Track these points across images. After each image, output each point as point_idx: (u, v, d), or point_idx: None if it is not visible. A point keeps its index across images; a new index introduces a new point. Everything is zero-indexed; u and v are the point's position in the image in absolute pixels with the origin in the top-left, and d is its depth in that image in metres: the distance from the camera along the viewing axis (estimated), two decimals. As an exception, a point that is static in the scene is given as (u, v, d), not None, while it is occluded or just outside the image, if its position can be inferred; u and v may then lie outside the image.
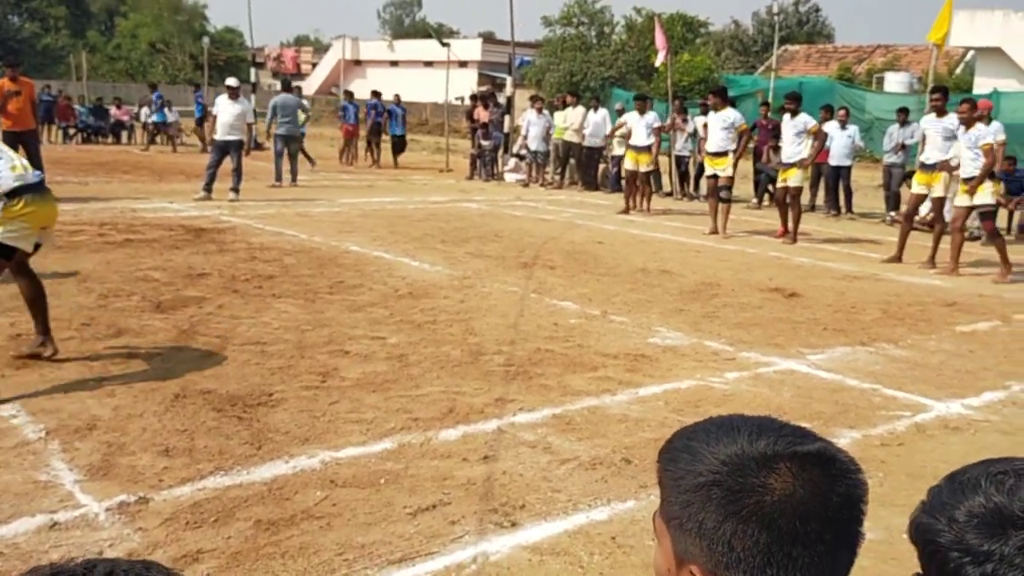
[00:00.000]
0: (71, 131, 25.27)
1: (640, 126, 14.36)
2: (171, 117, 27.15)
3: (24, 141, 12.33)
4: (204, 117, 23.45)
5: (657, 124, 14.59)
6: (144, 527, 3.25)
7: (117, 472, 3.71)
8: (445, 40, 25.16)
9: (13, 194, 4.78)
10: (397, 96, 22.91)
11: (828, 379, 5.56)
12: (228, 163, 13.33)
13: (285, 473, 3.78)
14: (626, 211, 14.19)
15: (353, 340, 5.92)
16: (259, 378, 5.03)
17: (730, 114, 11.88)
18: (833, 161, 14.82)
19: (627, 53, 34.16)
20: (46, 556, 3.02)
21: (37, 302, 5.05)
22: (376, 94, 22.70)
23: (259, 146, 20.10)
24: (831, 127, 14.40)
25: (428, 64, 46.64)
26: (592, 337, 6.32)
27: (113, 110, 26.91)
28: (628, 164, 14.60)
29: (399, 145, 22.36)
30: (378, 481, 3.73)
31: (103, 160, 19.80)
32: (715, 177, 11.99)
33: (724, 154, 11.88)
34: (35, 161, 12.24)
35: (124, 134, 26.76)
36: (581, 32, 35.24)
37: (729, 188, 12.01)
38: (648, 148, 14.32)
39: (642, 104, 14.71)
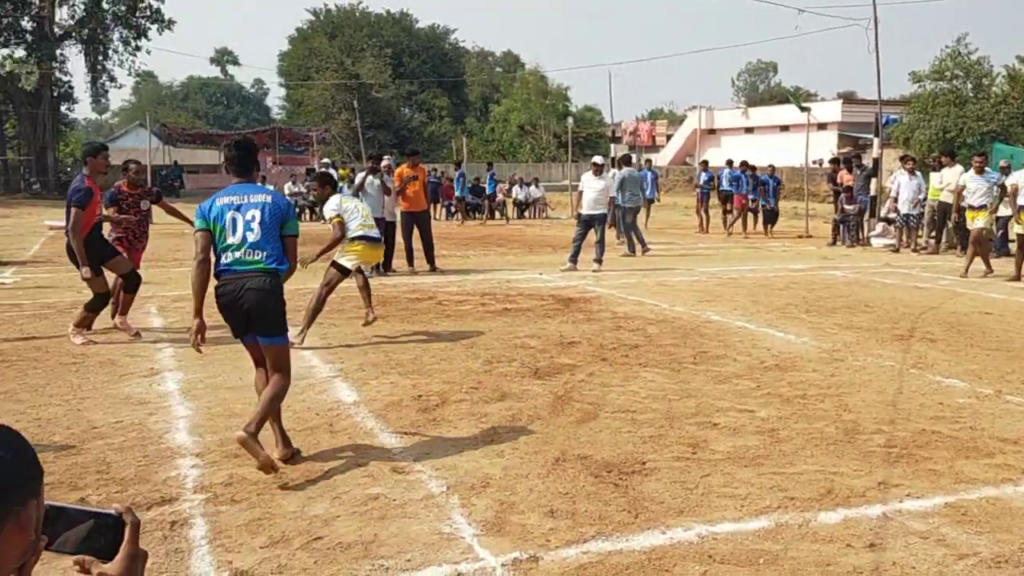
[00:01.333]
0: (452, 208, 27.98)
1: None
2: (536, 193, 29.12)
3: (418, 221, 13.92)
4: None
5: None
6: (536, 584, 3.47)
7: (509, 529, 4.01)
8: (805, 104, 24.53)
9: (355, 239, 8.33)
10: (771, 167, 22.35)
11: None
12: (592, 235, 14.00)
13: (662, 544, 3.85)
14: (1017, 278, 12.79)
15: (721, 412, 5.90)
16: (631, 446, 5.18)
17: None
18: None
19: (1010, 105, 31.08)
20: (452, 602, 3.33)
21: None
22: (729, 163, 22.70)
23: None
24: None
25: (784, 128, 45.74)
26: (985, 419, 5.75)
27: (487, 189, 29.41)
28: (1019, 228, 13.19)
29: (771, 216, 21.81)
30: (757, 560, 3.67)
31: (480, 235, 21.67)
32: None
33: None
34: (427, 238, 13.80)
35: (496, 211, 29.12)
36: (955, 86, 32.69)
37: None
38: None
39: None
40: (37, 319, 9.40)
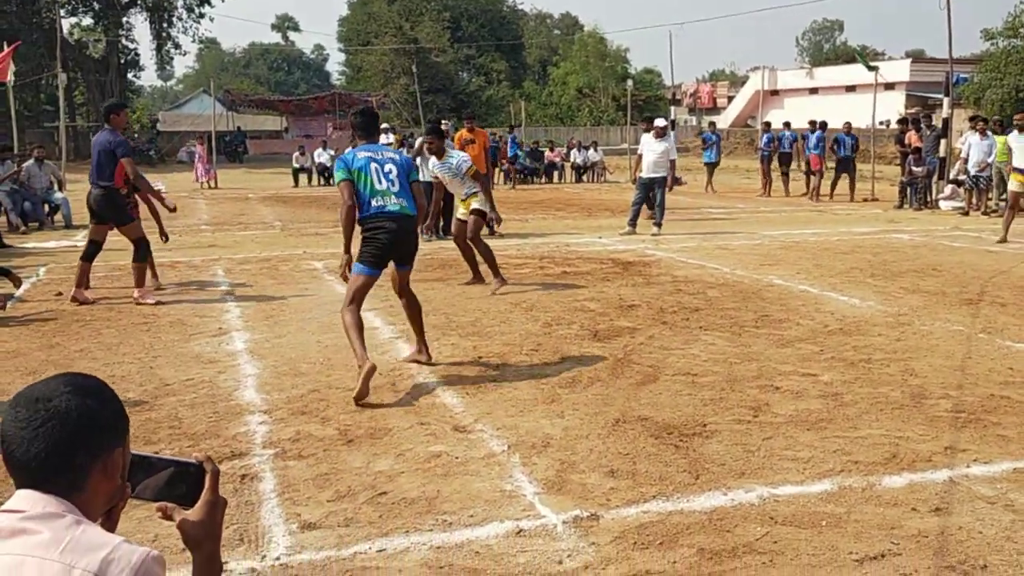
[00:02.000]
0: (510, 172, 27.93)
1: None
2: (594, 157, 28.91)
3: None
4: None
5: None
6: (596, 542, 3.51)
7: (570, 488, 4.05)
8: (872, 63, 23.83)
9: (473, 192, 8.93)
10: (848, 124, 21.11)
11: None
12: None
13: (724, 505, 3.85)
14: (1004, 239, 12.41)
15: (783, 376, 5.85)
16: (692, 408, 5.17)
17: None
18: None
19: (1090, 61, 29.88)
20: (514, 559, 3.39)
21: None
22: (787, 125, 22.26)
23: (678, 180, 20.61)
24: None
25: (850, 89, 44.63)
26: (1058, 385, 5.61)
27: (547, 152, 29.29)
28: (1013, 185, 12.79)
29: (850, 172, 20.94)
30: (819, 523, 3.66)
31: (539, 199, 21.64)
32: None
33: None
34: (489, 201, 13.80)
35: (556, 174, 28.99)
36: (1031, 43, 31.53)
37: None
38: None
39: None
40: (109, 280, 9.69)
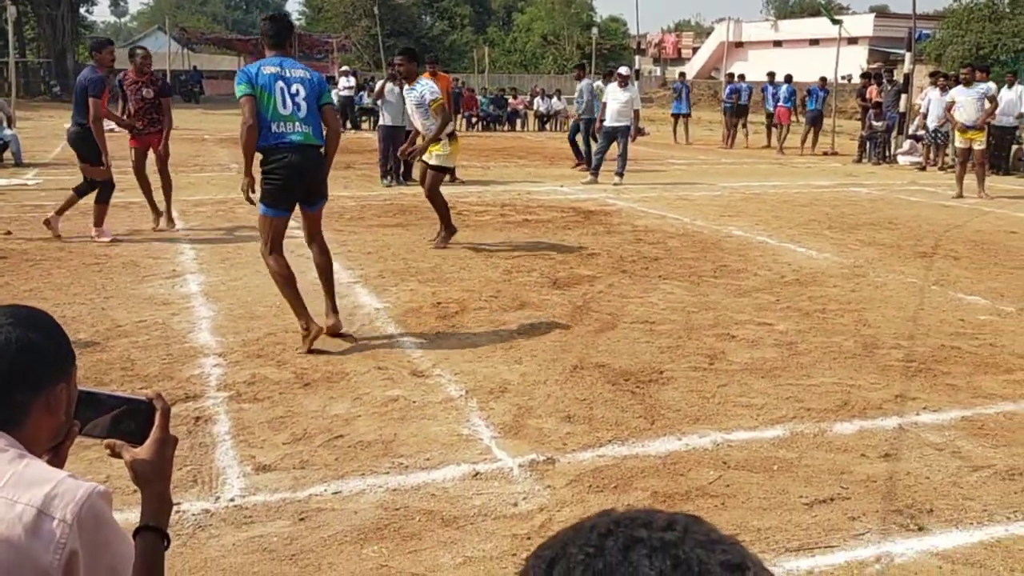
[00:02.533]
0: (473, 120, 27.67)
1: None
2: (558, 105, 28.72)
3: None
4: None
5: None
6: (552, 485, 3.53)
7: (526, 432, 4.06)
8: (837, 17, 23.83)
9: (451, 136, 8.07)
10: (823, 79, 20.67)
11: None
12: (614, 148, 13.82)
13: (678, 449, 3.89)
14: (960, 195, 12.65)
15: (739, 325, 5.90)
16: (649, 356, 5.20)
17: None
18: None
19: (1048, 20, 30.14)
20: (470, 502, 3.40)
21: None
22: (741, 77, 22.32)
23: (641, 131, 20.52)
24: None
25: (814, 42, 44.57)
26: (1006, 336, 5.73)
27: (510, 100, 29.02)
28: (959, 143, 13.01)
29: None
30: (771, 467, 3.71)
31: (501, 146, 21.47)
32: None
33: None
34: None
35: (518, 122, 28.76)
36: (992, 0, 31.66)
37: None
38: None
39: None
40: (63, 221, 9.45)
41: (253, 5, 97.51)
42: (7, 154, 15.50)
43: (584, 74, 16.38)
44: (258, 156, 5.19)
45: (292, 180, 5.12)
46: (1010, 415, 4.35)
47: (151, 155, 9.16)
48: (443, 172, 8.49)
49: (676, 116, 23.76)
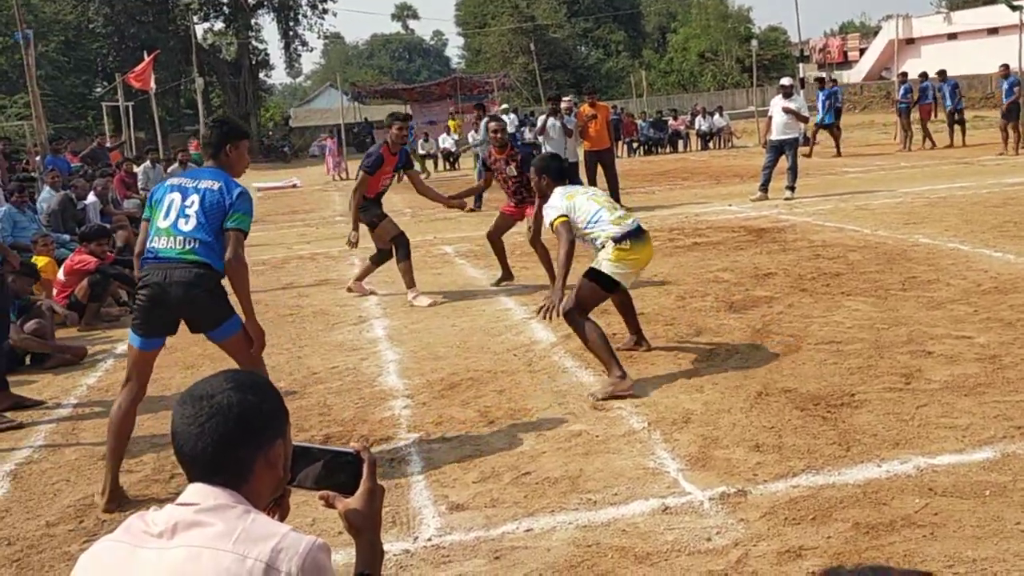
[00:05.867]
0: (635, 145, 27.60)
1: None
2: (720, 123, 28.25)
3: (601, 159, 13.84)
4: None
5: None
6: (745, 518, 3.45)
7: (714, 464, 3.99)
8: (1016, 3, 22.25)
9: (621, 238, 5.26)
10: (1005, 66, 19.19)
11: None
12: (783, 162, 13.44)
13: (878, 477, 3.71)
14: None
15: (935, 340, 5.57)
16: (838, 378, 5.00)
17: None
18: None
19: None
20: (662, 537, 3.36)
21: (629, 307, 5.63)
22: (923, 75, 21.04)
23: (808, 141, 19.75)
24: None
25: (992, 32, 41.86)
26: None
27: (670, 121, 28.79)
28: None
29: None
30: (982, 492, 3.48)
31: (664, 170, 21.31)
32: None
33: None
34: (611, 176, 13.69)
35: (680, 143, 28.46)
36: None
37: None
38: None
39: None
40: (254, 275, 10.07)
41: (415, 54, 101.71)
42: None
43: None
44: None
45: (153, 303, 4.04)
46: None
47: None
48: (599, 285, 5.37)
49: (818, 127, 21.40)
